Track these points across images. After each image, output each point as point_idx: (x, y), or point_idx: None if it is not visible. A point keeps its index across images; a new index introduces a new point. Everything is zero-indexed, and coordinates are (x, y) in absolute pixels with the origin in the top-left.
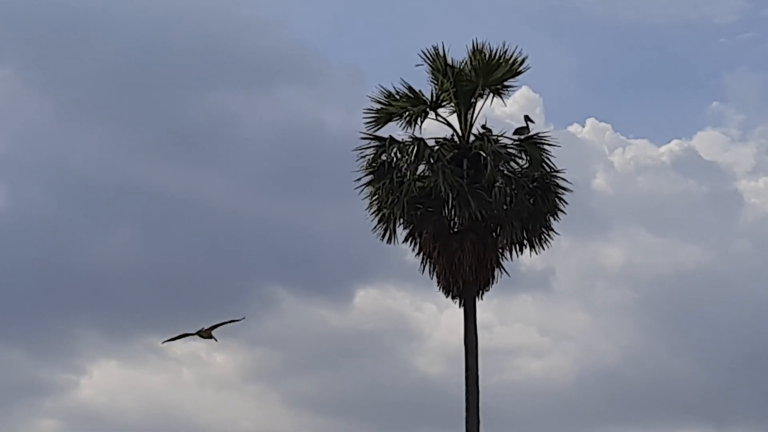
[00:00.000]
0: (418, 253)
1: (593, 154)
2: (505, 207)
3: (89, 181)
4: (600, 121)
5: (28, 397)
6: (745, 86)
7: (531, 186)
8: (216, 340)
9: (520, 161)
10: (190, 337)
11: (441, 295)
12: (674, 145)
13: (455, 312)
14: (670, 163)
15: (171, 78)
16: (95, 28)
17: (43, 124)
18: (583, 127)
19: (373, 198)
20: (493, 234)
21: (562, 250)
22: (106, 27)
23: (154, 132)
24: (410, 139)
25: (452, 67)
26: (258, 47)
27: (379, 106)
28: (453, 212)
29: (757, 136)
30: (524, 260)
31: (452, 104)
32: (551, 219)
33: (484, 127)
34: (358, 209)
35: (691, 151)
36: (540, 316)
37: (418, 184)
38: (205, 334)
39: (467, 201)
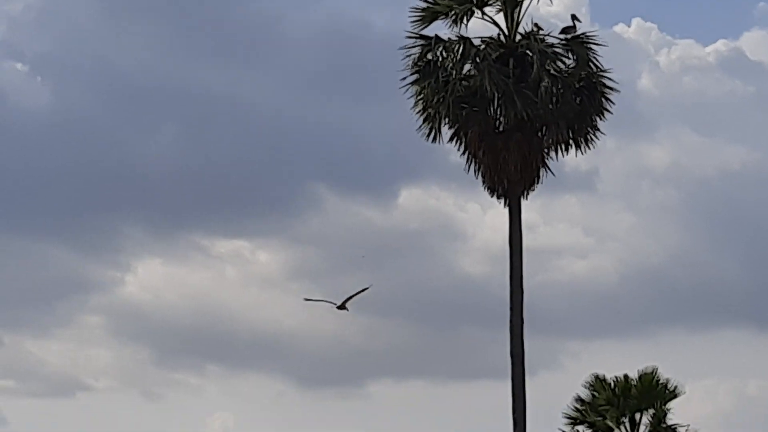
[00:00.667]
0: (463, 153)
1: (639, 55)
2: (550, 106)
3: (133, 81)
4: (646, 21)
5: (74, 294)
6: None
7: (577, 86)
8: (348, 310)
9: (566, 61)
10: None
11: (485, 195)
12: (720, 45)
13: (499, 212)
14: (716, 63)
15: None
16: None
17: (87, 23)
18: (629, 26)
19: (419, 97)
20: (539, 134)
21: (607, 151)
22: None
23: (199, 32)
24: (456, 38)
25: None
26: None
27: (425, 4)
28: (498, 112)
29: None
30: (569, 160)
31: (498, 3)
32: (597, 119)
33: (536, 25)
34: (404, 109)
35: (737, 51)
36: (584, 216)
37: (464, 83)
38: (342, 306)
39: (513, 100)
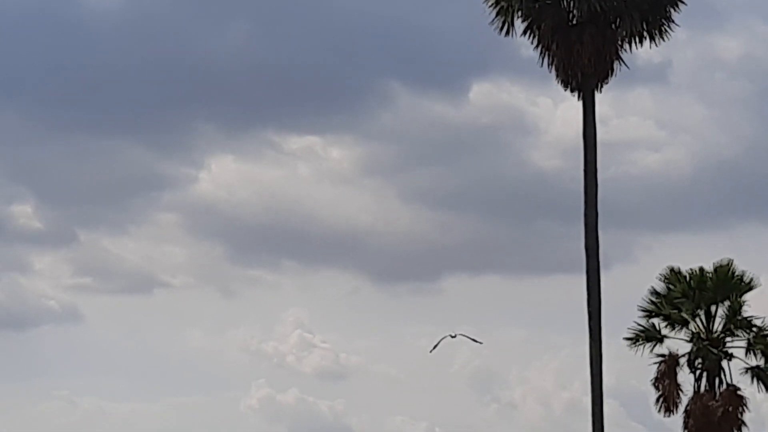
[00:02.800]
0: (537, 46)
1: None
2: None
3: None
4: None
5: (148, 191)
6: None
7: None
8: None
9: None
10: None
11: (556, 89)
12: None
13: (571, 106)
14: None
15: None
16: None
17: None
18: None
19: None
20: (612, 26)
21: (679, 43)
22: None
23: None
24: None
25: None
26: None
27: None
28: (572, 4)
29: None
30: (641, 53)
31: None
32: (671, 10)
33: None
34: (475, 2)
35: None
36: (657, 109)
37: None
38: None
39: None
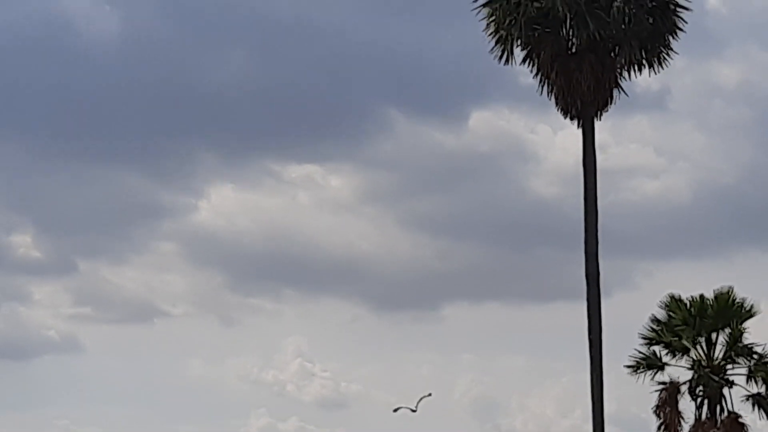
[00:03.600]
0: (536, 74)
1: None
2: (623, 26)
3: (203, 5)
4: None
5: (148, 220)
6: None
7: (649, 5)
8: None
9: None
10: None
11: (555, 116)
12: None
13: (570, 133)
14: None
15: None
16: None
17: None
18: None
19: (491, 19)
20: (612, 54)
21: (677, 70)
22: None
23: None
24: None
25: None
26: None
27: None
28: (571, 33)
29: None
30: (640, 80)
31: None
32: (670, 38)
33: None
34: (474, 31)
35: None
36: (656, 136)
37: (536, 4)
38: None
39: (585, 21)
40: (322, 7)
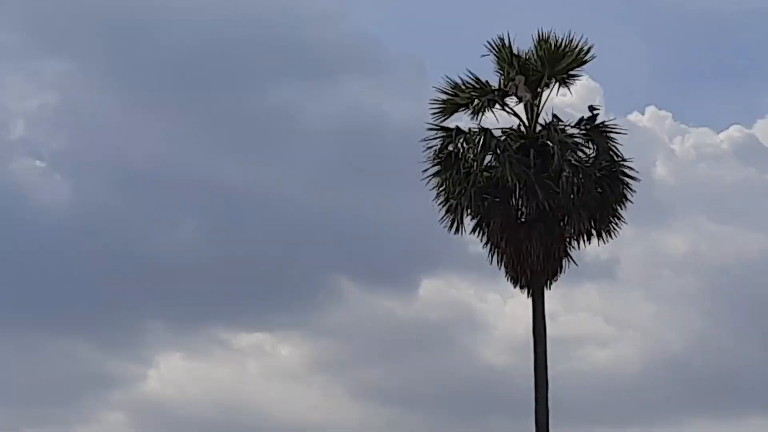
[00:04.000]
0: (486, 244)
1: (654, 143)
2: (572, 196)
3: (152, 175)
4: (660, 109)
5: (96, 389)
6: None
7: (598, 175)
8: None
9: (586, 150)
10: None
11: (505, 284)
12: (734, 132)
13: (520, 302)
14: (730, 150)
15: (233, 70)
16: (157, 21)
17: (105, 117)
18: (643, 115)
19: (441, 189)
20: (561, 223)
21: (626, 240)
22: (168, 20)
23: (217, 124)
24: (477, 130)
25: (518, 57)
26: (318, 39)
27: (445, 96)
28: (520, 202)
29: None
30: (589, 249)
31: None
32: (618, 208)
33: (555, 116)
34: (422, 200)
35: (751, 138)
36: (605, 305)
37: (485, 174)
38: None
39: (534, 191)
40: (273, 175)
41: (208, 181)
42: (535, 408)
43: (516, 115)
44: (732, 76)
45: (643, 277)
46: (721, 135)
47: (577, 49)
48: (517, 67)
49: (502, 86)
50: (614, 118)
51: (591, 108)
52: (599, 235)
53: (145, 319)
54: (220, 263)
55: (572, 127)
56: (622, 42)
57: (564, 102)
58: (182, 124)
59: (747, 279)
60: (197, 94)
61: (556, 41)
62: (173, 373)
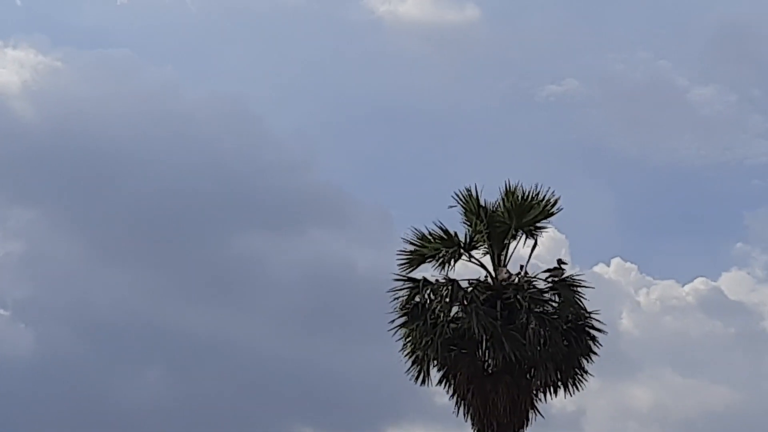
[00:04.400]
0: (453, 395)
1: (619, 295)
2: (539, 348)
3: (117, 323)
4: (626, 261)
5: None
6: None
7: (564, 327)
8: None
9: (553, 303)
10: None
11: None
12: (700, 284)
13: None
14: (696, 303)
15: (199, 220)
16: (123, 171)
17: (69, 266)
18: (609, 266)
19: (407, 339)
20: (528, 375)
21: (592, 392)
22: (133, 170)
23: (182, 274)
24: (444, 281)
25: (485, 208)
26: (285, 189)
27: (412, 247)
28: (487, 354)
29: None
30: (555, 401)
31: (485, 245)
32: (584, 361)
33: (522, 268)
34: (389, 350)
35: (716, 291)
36: None
37: (452, 325)
38: None
39: (501, 343)
40: (238, 324)
41: (172, 329)
42: None
43: (482, 266)
44: (697, 230)
45: (609, 429)
46: (687, 287)
47: (544, 201)
48: (484, 218)
49: (468, 238)
50: (581, 272)
51: (559, 261)
52: (566, 388)
53: None
54: (184, 411)
55: (539, 279)
56: (588, 194)
57: (534, 254)
58: (147, 273)
59: None
60: (163, 243)
61: (523, 193)
62: None
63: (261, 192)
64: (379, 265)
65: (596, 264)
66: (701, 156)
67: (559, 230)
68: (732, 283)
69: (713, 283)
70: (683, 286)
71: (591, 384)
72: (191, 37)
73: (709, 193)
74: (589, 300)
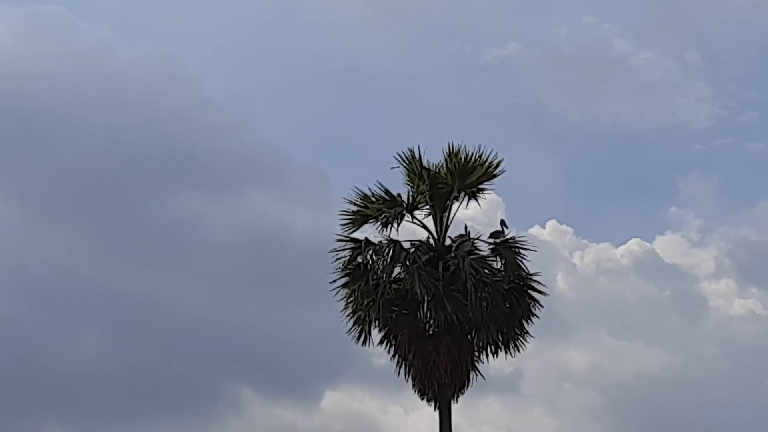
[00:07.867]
0: (393, 356)
1: (554, 257)
2: (480, 310)
3: (52, 284)
4: (561, 224)
5: None
6: (701, 190)
7: (506, 289)
8: None
9: (494, 265)
10: None
11: (408, 397)
12: (634, 245)
13: (422, 414)
14: (631, 265)
15: (134, 181)
16: (57, 132)
17: (4, 227)
18: (544, 228)
19: (349, 300)
20: (469, 336)
21: (529, 354)
22: (68, 131)
23: (118, 235)
24: (386, 242)
25: (428, 169)
26: (221, 150)
27: (354, 208)
28: (429, 314)
29: (717, 239)
30: (494, 363)
31: (428, 207)
32: (525, 323)
33: (466, 229)
34: (328, 311)
35: (652, 254)
36: (508, 419)
37: (394, 286)
38: None
39: (443, 303)
40: (176, 286)
41: (108, 291)
42: None
43: (425, 227)
44: (634, 193)
45: (546, 391)
46: (621, 249)
47: (486, 163)
48: (427, 179)
49: (411, 199)
50: (520, 234)
51: (502, 223)
52: (507, 349)
53: (43, 429)
54: (121, 373)
55: (481, 240)
56: (530, 157)
57: (465, 215)
58: (83, 235)
59: (648, 395)
60: (99, 205)
61: (467, 155)
62: None
63: (198, 153)
64: (318, 227)
65: (532, 226)
66: (644, 120)
67: (497, 193)
68: (667, 246)
69: (648, 245)
70: (617, 247)
71: (529, 346)
72: None
73: (650, 158)
74: (530, 262)
